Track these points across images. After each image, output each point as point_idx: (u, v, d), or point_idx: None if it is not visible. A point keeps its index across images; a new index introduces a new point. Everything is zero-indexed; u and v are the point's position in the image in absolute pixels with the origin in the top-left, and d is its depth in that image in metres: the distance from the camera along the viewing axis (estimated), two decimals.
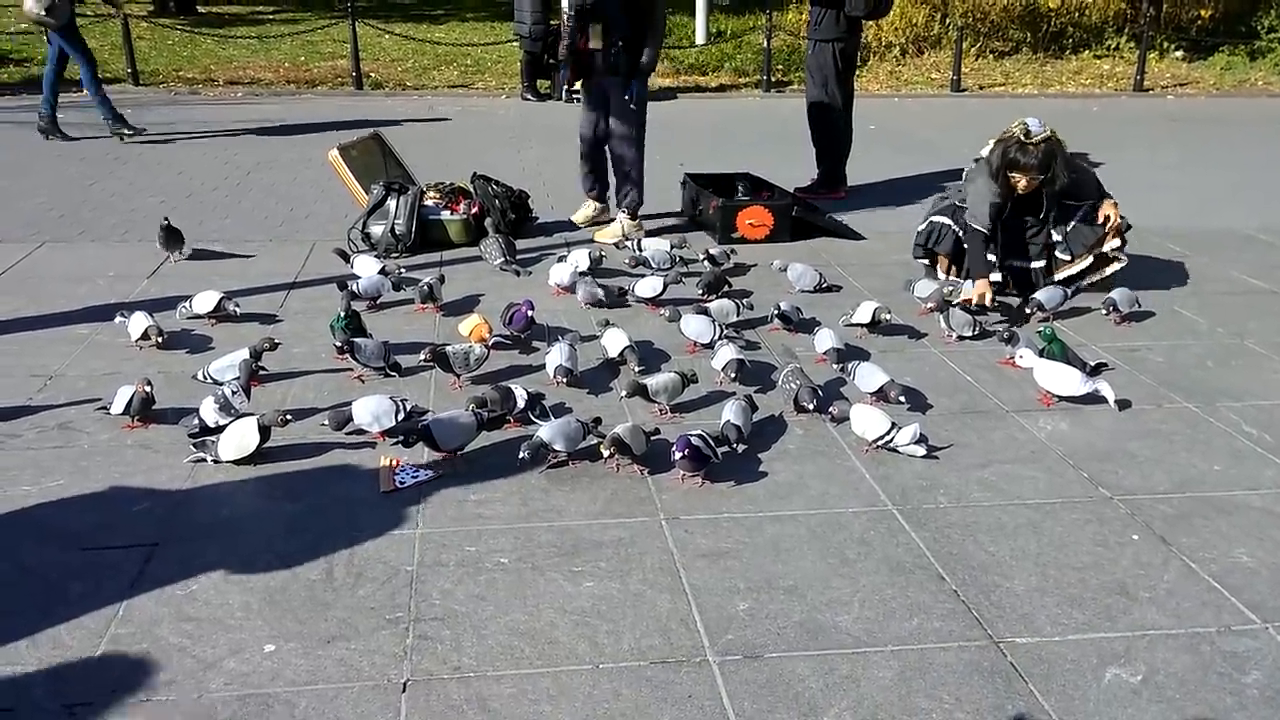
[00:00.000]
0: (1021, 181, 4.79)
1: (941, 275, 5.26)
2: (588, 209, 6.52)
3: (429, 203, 5.99)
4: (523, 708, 2.31)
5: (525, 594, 2.72)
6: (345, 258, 5.32)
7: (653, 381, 3.72)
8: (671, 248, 5.51)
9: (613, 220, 6.35)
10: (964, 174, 5.21)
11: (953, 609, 2.69)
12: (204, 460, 3.35)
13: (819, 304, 4.95)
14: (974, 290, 4.73)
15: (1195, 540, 3.03)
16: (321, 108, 11.28)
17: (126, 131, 8.99)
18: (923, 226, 5.27)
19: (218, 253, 5.76)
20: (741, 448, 3.49)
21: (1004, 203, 4.86)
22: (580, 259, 5.24)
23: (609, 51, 5.99)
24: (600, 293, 4.86)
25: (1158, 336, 4.70)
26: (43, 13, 8.19)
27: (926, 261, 5.36)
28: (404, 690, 2.36)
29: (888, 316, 4.52)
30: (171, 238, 5.54)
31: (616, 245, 5.93)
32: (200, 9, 19.59)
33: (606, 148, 6.32)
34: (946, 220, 5.15)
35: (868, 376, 3.85)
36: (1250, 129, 11.02)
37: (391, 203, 5.81)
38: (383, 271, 5.04)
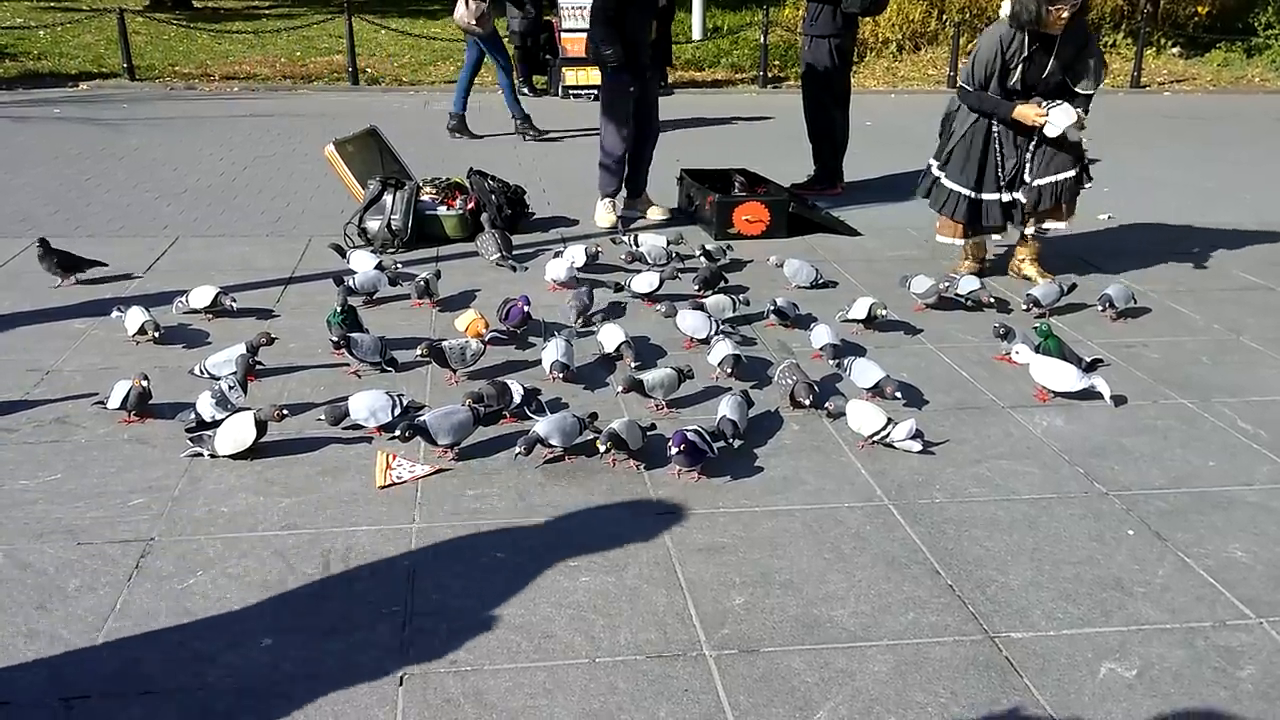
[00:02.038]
0: (1065, 10, 4.72)
1: (943, 239, 5.38)
2: (614, 211, 6.45)
3: (425, 198, 5.99)
4: (519, 701, 2.32)
5: (521, 588, 2.72)
6: (341, 253, 5.32)
7: (649, 377, 3.72)
8: (668, 243, 5.52)
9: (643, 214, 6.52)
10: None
11: (948, 604, 2.70)
12: (200, 455, 3.35)
13: (815, 300, 4.96)
14: (1027, 113, 4.85)
15: (1190, 535, 3.04)
16: (317, 103, 11.27)
17: (530, 133, 9.23)
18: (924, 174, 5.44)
19: (103, 278, 5.15)
20: (737, 443, 3.49)
21: (1011, 61, 4.87)
22: (577, 254, 5.24)
23: (668, 45, 6.27)
24: (585, 301, 4.63)
25: (1154, 333, 4.71)
26: (473, 22, 8.61)
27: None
28: (401, 683, 2.36)
29: (884, 312, 4.53)
30: (51, 259, 4.99)
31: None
32: (196, 4, 19.54)
33: (647, 139, 6.40)
34: (940, 177, 5.27)
35: (864, 372, 3.86)
36: (1247, 125, 11.04)
37: (388, 198, 5.82)
38: (379, 267, 5.04)
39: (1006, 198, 5.13)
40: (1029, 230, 5.31)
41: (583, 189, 7.33)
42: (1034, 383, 3.96)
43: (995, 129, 5.05)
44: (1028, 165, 5.05)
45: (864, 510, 3.14)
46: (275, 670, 2.40)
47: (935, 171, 5.32)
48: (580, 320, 4.52)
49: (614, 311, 4.77)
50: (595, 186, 6.46)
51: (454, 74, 13.38)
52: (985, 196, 5.14)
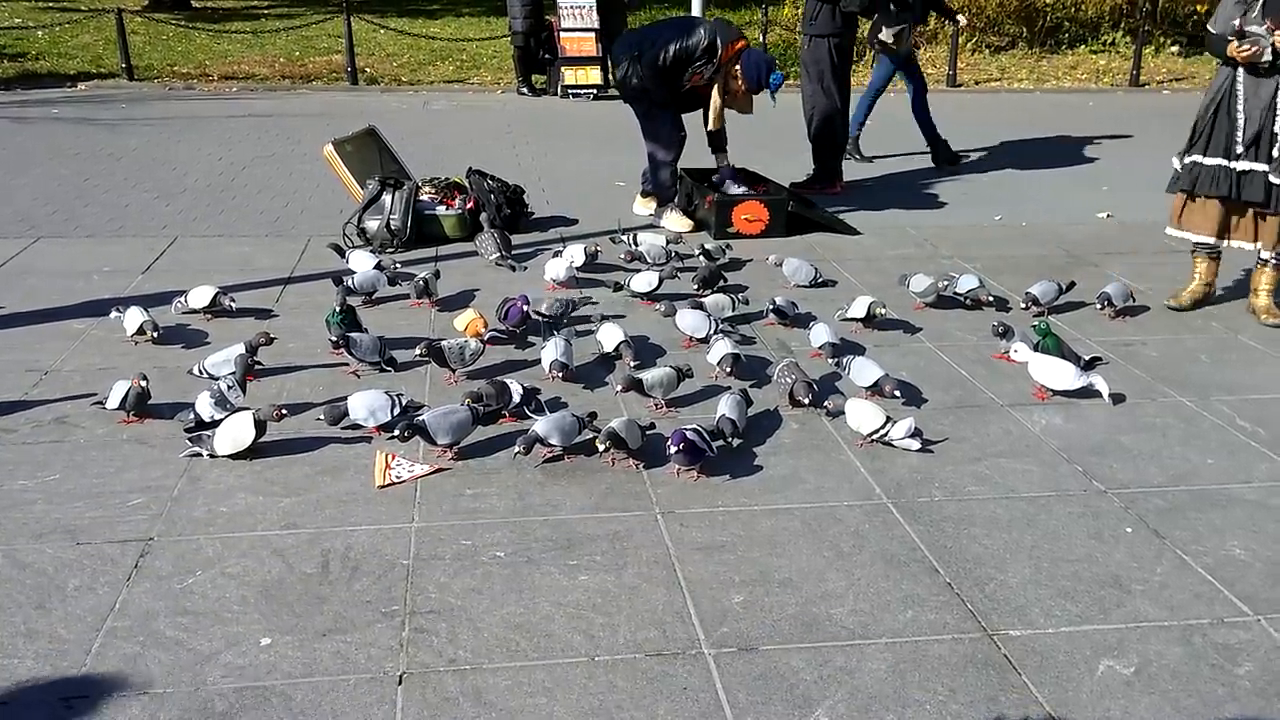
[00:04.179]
0: None
1: (1194, 236, 4.82)
2: (680, 211, 6.44)
3: (424, 198, 6.00)
4: (518, 700, 2.32)
5: (521, 587, 2.72)
6: (340, 253, 5.32)
7: (648, 376, 3.72)
8: (667, 243, 5.52)
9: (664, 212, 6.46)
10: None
11: (947, 601, 2.70)
12: (199, 455, 3.35)
13: (814, 299, 4.96)
14: (1231, 47, 4.40)
15: (1188, 533, 3.04)
16: (316, 103, 11.27)
17: (946, 163, 8.30)
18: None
19: None
20: (737, 442, 3.49)
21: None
22: (576, 254, 5.24)
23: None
24: (561, 309, 4.48)
25: (1152, 331, 4.71)
26: (890, 40, 7.92)
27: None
28: (400, 683, 2.37)
29: (883, 311, 4.53)
30: None
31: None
32: (195, 4, 19.53)
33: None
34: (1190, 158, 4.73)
35: (863, 371, 3.86)
36: None
37: (387, 198, 5.82)
38: (378, 266, 5.04)
39: (1260, 167, 4.50)
40: (1266, 254, 4.74)
41: (582, 188, 7.34)
42: (1033, 381, 3.96)
43: (1238, 85, 4.52)
44: (1276, 135, 4.46)
45: (863, 509, 3.14)
46: (274, 670, 2.40)
47: (1179, 159, 4.79)
48: (554, 315, 4.46)
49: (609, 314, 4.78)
50: (594, 186, 6.45)
51: (453, 74, 13.42)
52: (1237, 165, 4.54)
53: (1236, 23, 4.45)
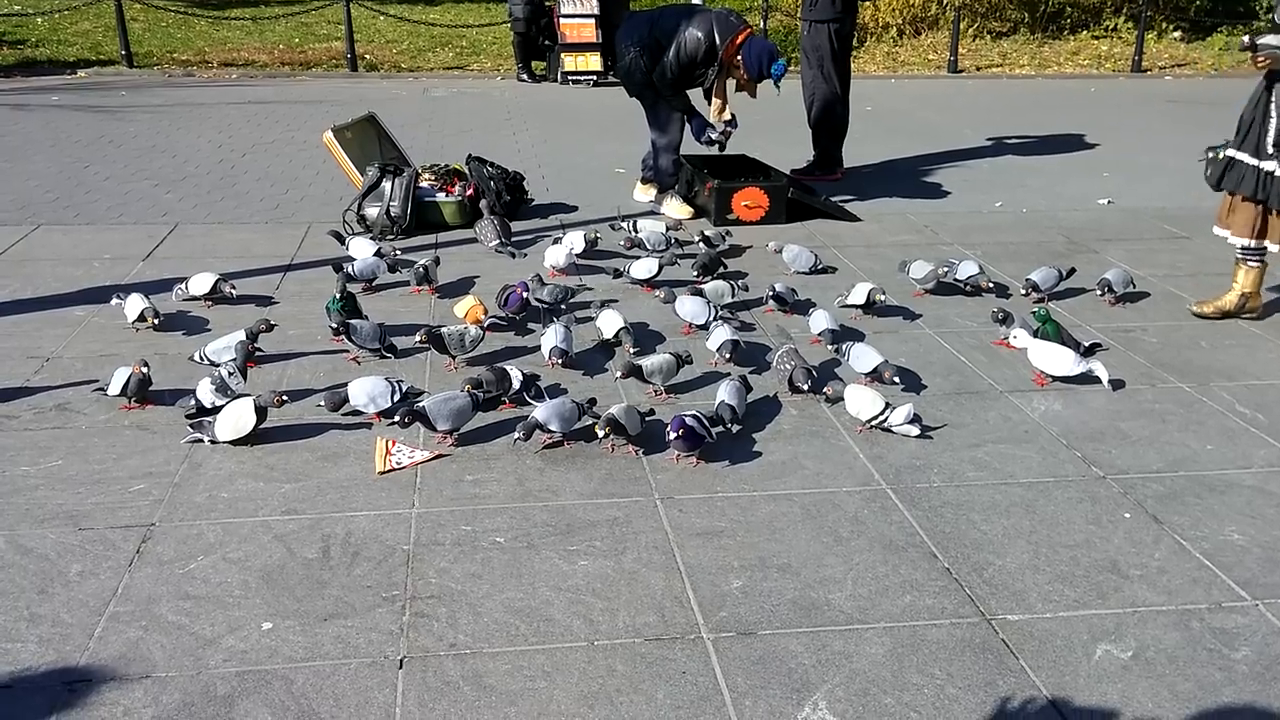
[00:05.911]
0: None
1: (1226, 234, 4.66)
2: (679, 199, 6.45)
3: (424, 184, 5.99)
4: (518, 684, 2.33)
5: (521, 572, 2.74)
6: (340, 239, 5.32)
7: (648, 362, 3.73)
8: (667, 229, 5.52)
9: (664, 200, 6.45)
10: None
11: (945, 586, 2.71)
12: (201, 441, 3.36)
13: (814, 285, 4.96)
14: (1259, 62, 4.36)
15: (1187, 519, 3.05)
16: (316, 89, 11.25)
17: None
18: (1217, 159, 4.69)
19: None
20: (736, 428, 3.50)
21: None
22: (576, 240, 5.24)
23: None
24: (544, 294, 4.48)
25: (1152, 317, 4.72)
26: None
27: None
28: (401, 667, 2.38)
29: (882, 298, 4.53)
30: None
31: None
32: None
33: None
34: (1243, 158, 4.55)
35: (862, 357, 3.86)
36: None
37: (387, 184, 5.81)
38: (378, 253, 5.04)
39: (1268, 166, 4.40)
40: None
41: (581, 175, 7.33)
42: (1032, 367, 3.97)
43: (1276, 84, 4.43)
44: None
45: (862, 494, 3.15)
46: (275, 654, 2.41)
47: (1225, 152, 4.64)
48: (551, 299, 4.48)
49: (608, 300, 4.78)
50: (594, 173, 6.45)
51: (453, 60, 13.37)
52: (1265, 165, 4.42)
53: (1247, 38, 4.44)
